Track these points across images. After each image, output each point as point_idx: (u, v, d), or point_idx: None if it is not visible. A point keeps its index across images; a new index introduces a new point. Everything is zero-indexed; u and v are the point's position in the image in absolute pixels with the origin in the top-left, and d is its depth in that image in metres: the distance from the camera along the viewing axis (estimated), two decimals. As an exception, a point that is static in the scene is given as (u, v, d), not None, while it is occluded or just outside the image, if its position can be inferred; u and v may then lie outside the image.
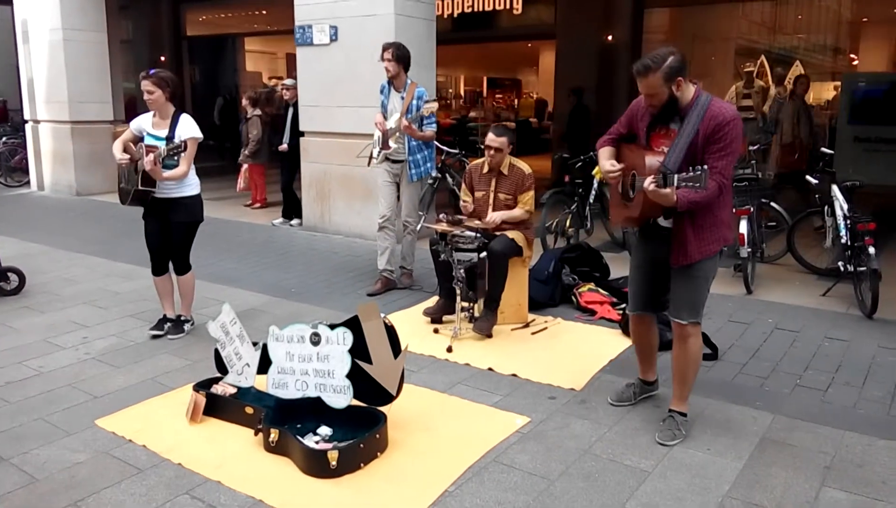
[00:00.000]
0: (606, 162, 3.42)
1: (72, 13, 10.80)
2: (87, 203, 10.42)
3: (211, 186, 11.46)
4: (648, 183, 3.06)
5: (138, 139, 4.63)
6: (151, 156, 4.38)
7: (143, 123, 4.65)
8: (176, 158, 4.47)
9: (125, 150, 4.62)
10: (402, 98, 5.71)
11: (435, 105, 5.71)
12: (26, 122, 11.82)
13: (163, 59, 17.52)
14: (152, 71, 4.57)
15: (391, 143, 5.71)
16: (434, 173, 7.95)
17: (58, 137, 11.24)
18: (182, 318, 4.91)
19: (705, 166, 2.97)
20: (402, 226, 5.99)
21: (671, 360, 3.55)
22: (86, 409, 3.77)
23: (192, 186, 4.71)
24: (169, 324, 4.85)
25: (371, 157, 5.93)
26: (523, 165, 5.07)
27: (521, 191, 5.00)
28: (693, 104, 3.17)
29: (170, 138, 4.51)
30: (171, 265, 4.86)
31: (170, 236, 4.75)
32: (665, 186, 3.04)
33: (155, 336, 4.77)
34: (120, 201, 4.75)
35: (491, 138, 4.99)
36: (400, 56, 5.66)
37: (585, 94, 11.46)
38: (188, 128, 4.57)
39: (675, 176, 3.02)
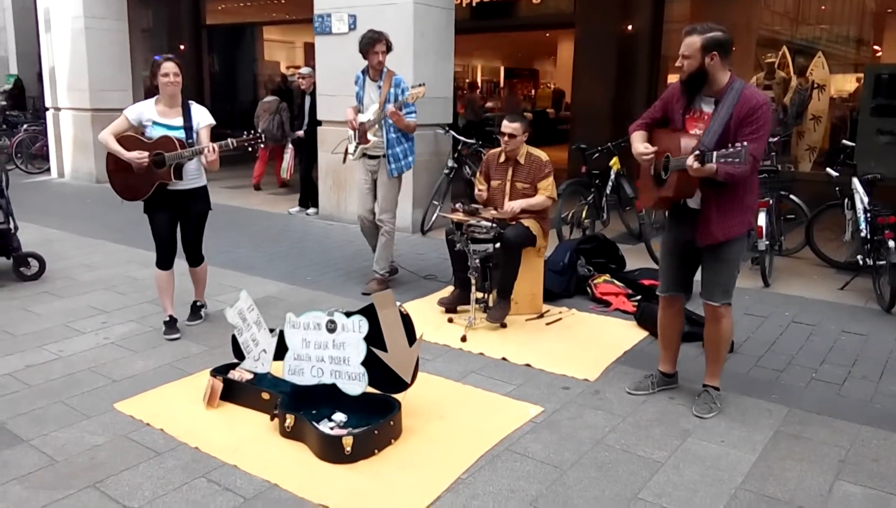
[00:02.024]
0: (640, 145, 3.52)
1: (93, 1, 10.88)
2: (106, 190, 10.38)
3: (229, 174, 11.55)
4: (691, 161, 3.17)
5: (138, 130, 4.45)
6: (213, 145, 4.26)
7: (145, 111, 4.45)
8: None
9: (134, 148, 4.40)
10: (379, 87, 5.41)
11: (422, 90, 5.26)
12: (47, 109, 11.94)
13: (182, 47, 17.60)
14: (171, 56, 4.45)
15: (370, 136, 5.38)
16: (450, 163, 7.98)
17: (78, 124, 11.34)
18: (199, 303, 4.94)
19: (745, 143, 3.10)
20: (376, 225, 5.59)
21: (704, 341, 3.77)
22: (105, 393, 3.82)
23: (204, 175, 4.64)
24: (170, 320, 4.70)
25: (346, 152, 5.63)
26: (540, 154, 5.05)
27: (540, 178, 4.98)
28: (727, 89, 3.30)
29: (188, 128, 4.44)
30: (175, 260, 4.70)
31: (179, 227, 4.65)
32: (703, 164, 3.15)
33: (174, 339, 4.58)
34: (124, 197, 4.54)
35: (504, 125, 4.99)
36: (390, 48, 5.43)
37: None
38: (205, 115, 4.54)
39: (714, 154, 3.14)
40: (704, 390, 3.71)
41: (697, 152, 3.17)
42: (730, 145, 3.14)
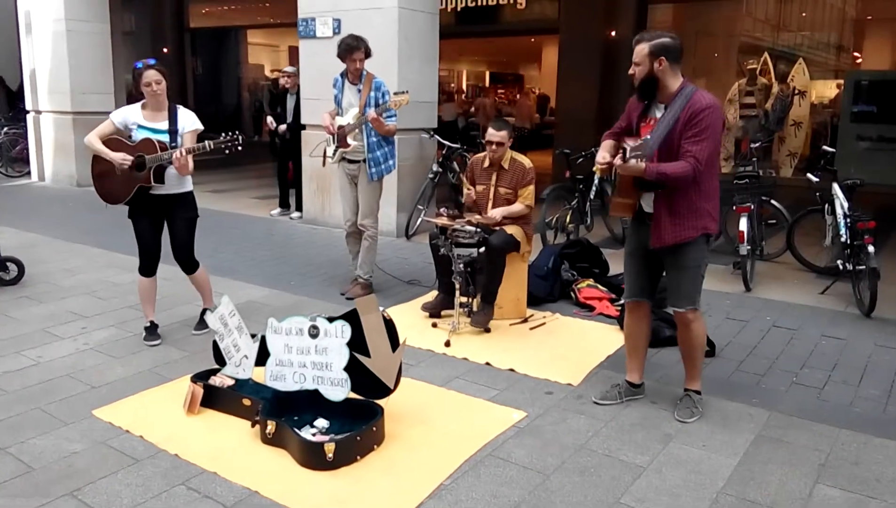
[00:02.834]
0: (599, 154, 3.58)
1: (75, 4, 10.80)
2: (87, 194, 10.34)
3: (212, 178, 11.49)
4: (616, 160, 3.29)
5: (123, 134, 4.40)
6: (183, 150, 4.20)
7: (131, 115, 4.40)
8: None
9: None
10: (359, 91, 5.32)
11: (405, 98, 5.17)
12: (28, 112, 11.82)
13: (165, 51, 17.51)
14: (152, 61, 4.39)
15: (350, 140, 5.31)
16: (434, 168, 7.98)
17: (59, 127, 11.24)
18: (210, 311, 4.75)
19: (647, 137, 3.22)
20: (359, 230, 5.54)
21: (679, 345, 3.78)
22: (83, 399, 3.77)
23: (189, 181, 4.57)
24: (151, 325, 4.65)
25: (325, 155, 5.56)
26: (524, 160, 5.07)
27: (522, 185, 4.99)
28: (677, 94, 3.34)
29: (173, 131, 4.37)
30: (159, 266, 4.64)
31: (169, 234, 4.58)
32: (625, 161, 3.24)
33: (154, 344, 4.54)
34: (106, 201, 4.49)
35: (491, 133, 4.99)
36: (369, 54, 5.34)
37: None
38: (192, 120, 4.47)
39: (628, 148, 3.22)
40: (686, 394, 3.73)
41: (621, 151, 3.26)
42: (637, 139, 3.29)
